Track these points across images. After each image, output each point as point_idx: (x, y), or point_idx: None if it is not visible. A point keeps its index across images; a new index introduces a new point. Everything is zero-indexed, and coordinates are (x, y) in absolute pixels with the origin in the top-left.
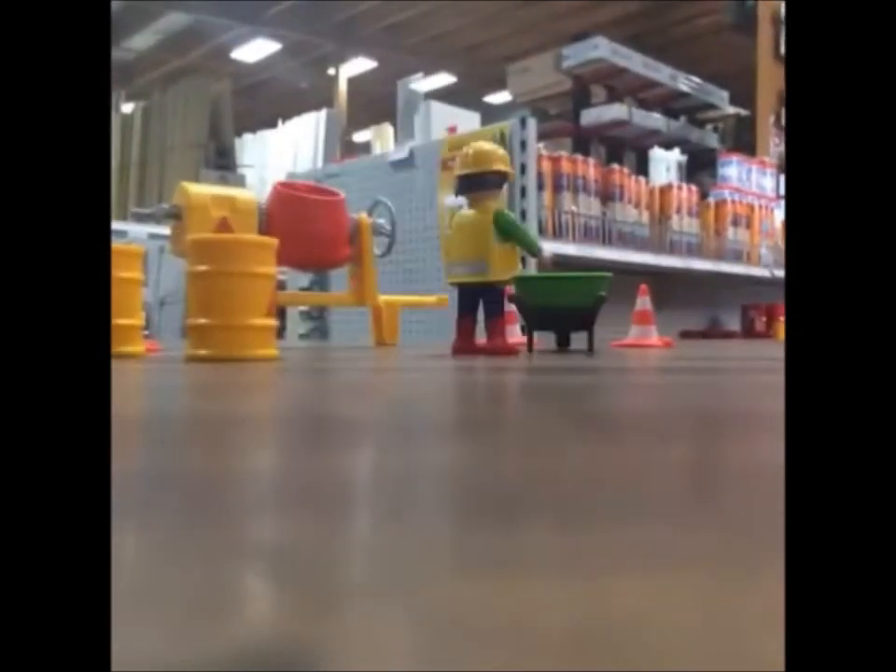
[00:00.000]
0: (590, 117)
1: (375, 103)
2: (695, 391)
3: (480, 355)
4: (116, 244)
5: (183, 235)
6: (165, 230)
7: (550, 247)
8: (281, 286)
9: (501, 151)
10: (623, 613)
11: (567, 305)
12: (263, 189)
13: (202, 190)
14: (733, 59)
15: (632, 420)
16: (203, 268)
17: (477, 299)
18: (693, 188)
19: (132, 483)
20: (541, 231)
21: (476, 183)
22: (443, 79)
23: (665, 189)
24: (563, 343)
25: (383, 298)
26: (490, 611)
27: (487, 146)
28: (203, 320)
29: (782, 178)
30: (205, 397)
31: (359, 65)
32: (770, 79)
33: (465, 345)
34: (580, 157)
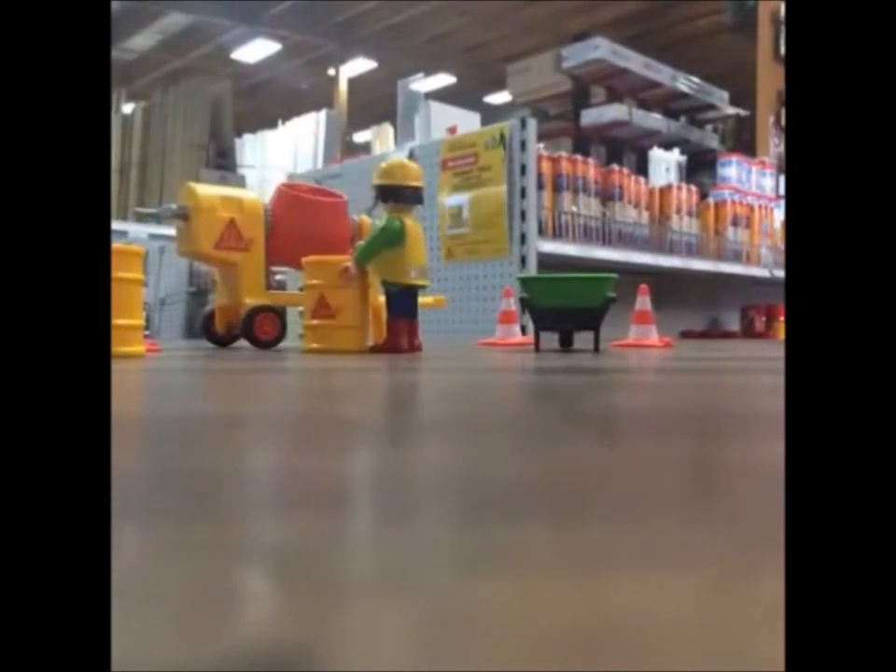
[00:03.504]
0: (590, 117)
1: (375, 103)
2: (700, 391)
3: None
4: (116, 244)
5: (191, 236)
6: (166, 230)
7: (550, 248)
8: (281, 286)
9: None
10: (624, 613)
11: (576, 306)
12: (263, 189)
13: (210, 191)
14: (733, 59)
15: (661, 416)
16: None
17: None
18: (693, 188)
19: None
20: (541, 231)
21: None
22: (443, 80)
23: (665, 190)
24: (566, 343)
25: (382, 298)
26: (490, 609)
27: (407, 161)
28: None
29: (782, 178)
30: None
31: (359, 66)
32: (770, 79)
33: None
34: (579, 157)
